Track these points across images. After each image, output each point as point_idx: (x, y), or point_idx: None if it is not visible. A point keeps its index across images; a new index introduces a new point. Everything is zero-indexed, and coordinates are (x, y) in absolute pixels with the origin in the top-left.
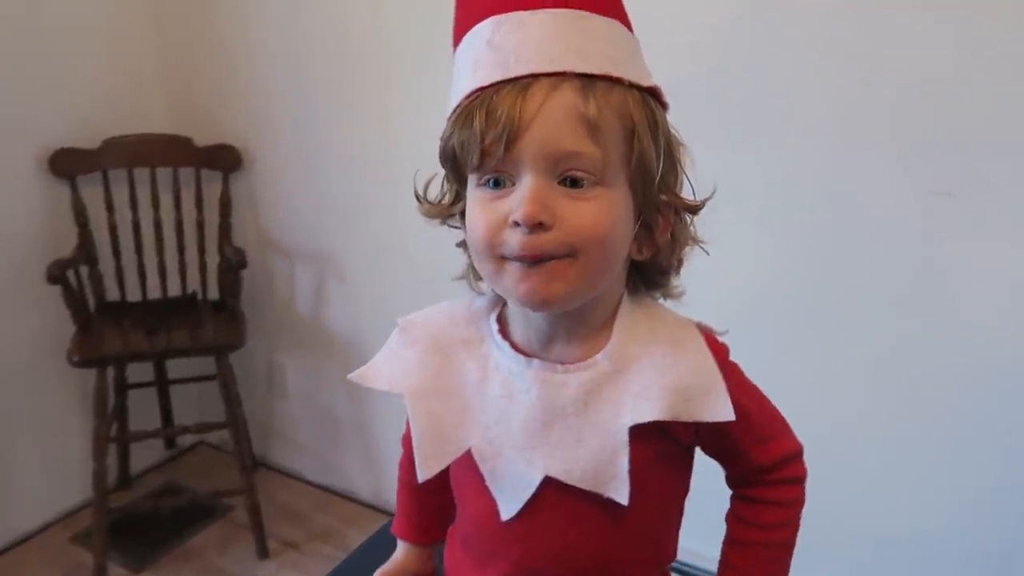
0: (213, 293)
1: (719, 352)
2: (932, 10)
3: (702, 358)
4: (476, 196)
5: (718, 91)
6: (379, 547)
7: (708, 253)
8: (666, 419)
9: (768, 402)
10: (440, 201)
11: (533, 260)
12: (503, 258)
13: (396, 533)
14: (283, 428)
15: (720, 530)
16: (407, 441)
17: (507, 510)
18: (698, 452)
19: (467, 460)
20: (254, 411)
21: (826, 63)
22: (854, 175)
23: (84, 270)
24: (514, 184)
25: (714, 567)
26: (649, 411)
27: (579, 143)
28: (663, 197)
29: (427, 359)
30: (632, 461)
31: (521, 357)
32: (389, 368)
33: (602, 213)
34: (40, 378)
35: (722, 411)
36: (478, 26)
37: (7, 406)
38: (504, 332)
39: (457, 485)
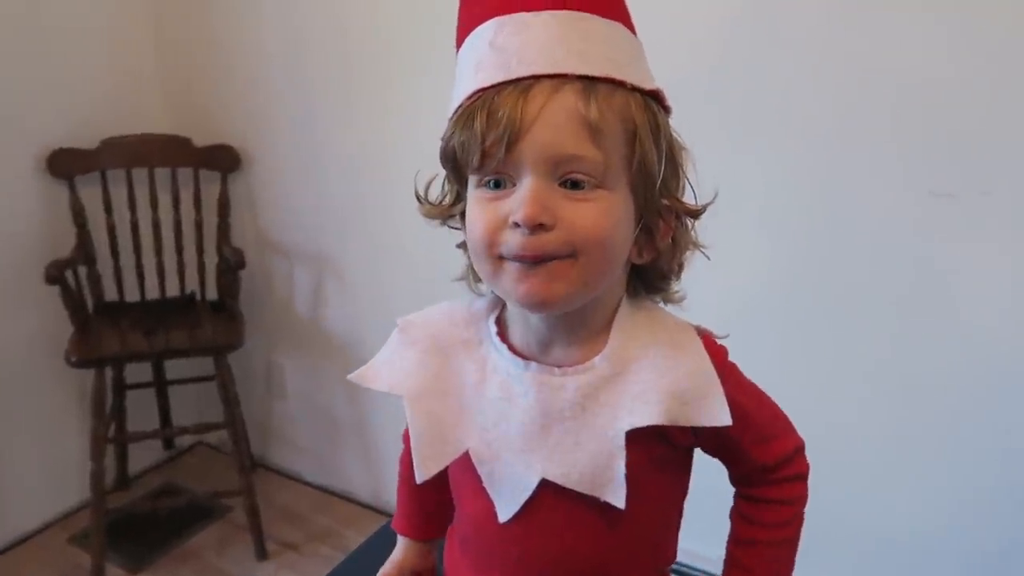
0: (212, 293)
1: (717, 354)
2: (932, 11)
3: (700, 361)
4: (476, 196)
5: (717, 91)
6: (378, 548)
7: (709, 258)
8: (663, 424)
9: (768, 401)
10: (440, 202)
11: (534, 260)
12: (501, 258)
13: (396, 529)
14: (282, 429)
15: (719, 530)
16: (408, 438)
17: (504, 512)
18: (698, 451)
19: (465, 461)
20: (253, 412)
21: (826, 63)
22: (854, 175)
23: (82, 270)
24: (515, 185)
25: (714, 568)
26: (646, 415)
27: (580, 146)
28: (664, 201)
29: (427, 360)
30: (629, 465)
31: (519, 360)
32: (389, 369)
33: (602, 215)
34: (38, 378)
35: (719, 415)
36: (481, 27)
37: (5, 406)
38: (503, 334)
39: (455, 486)
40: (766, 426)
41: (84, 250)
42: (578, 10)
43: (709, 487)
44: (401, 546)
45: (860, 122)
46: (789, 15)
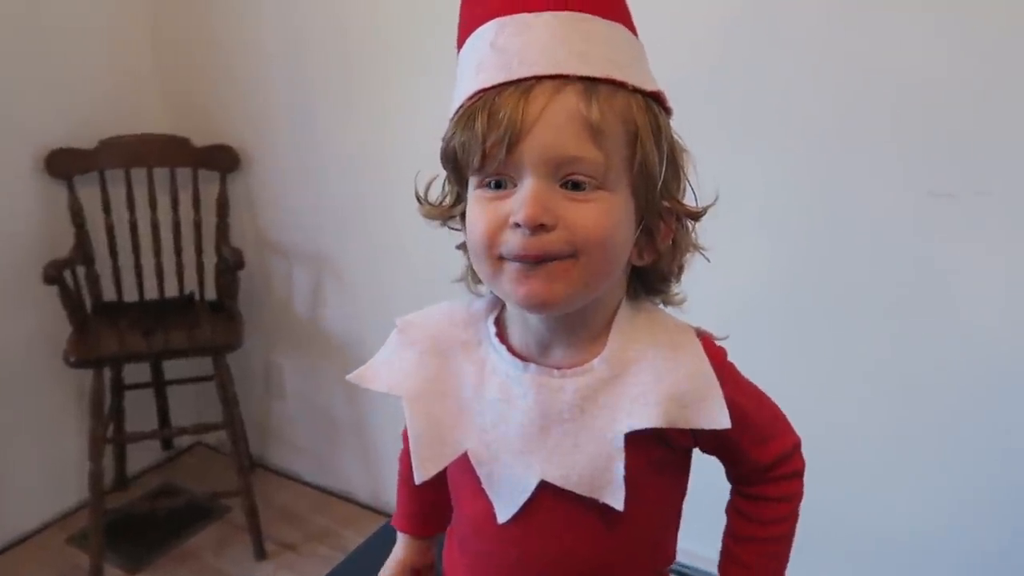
0: (210, 294)
1: (716, 356)
2: (932, 11)
3: (699, 363)
4: (477, 196)
5: (717, 92)
6: (377, 548)
7: (709, 260)
8: (662, 426)
9: (767, 401)
10: (441, 203)
11: (535, 260)
12: (502, 258)
13: (396, 526)
14: (280, 429)
15: (718, 530)
16: (407, 436)
17: (503, 513)
18: (696, 451)
19: (464, 462)
20: (251, 412)
21: (825, 63)
22: (853, 176)
23: (81, 270)
24: (515, 185)
25: (713, 568)
26: (645, 418)
27: (581, 147)
28: (665, 203)
29: (426, 360)
30: (628, 467)
31: (518, 361)
32: (388, 369)
33: (603, 215)
34: (36, 379)
35: (718, 418)
36: (482, 28)
37: (4, 407)
38: (502, 335)
39: (454, 487)
40: (765, 427)
41: (83, 250)
42: (579, 11)
43: (707, 487)
44: (401, 543)
45: (860, 122)
46: (789, 15)
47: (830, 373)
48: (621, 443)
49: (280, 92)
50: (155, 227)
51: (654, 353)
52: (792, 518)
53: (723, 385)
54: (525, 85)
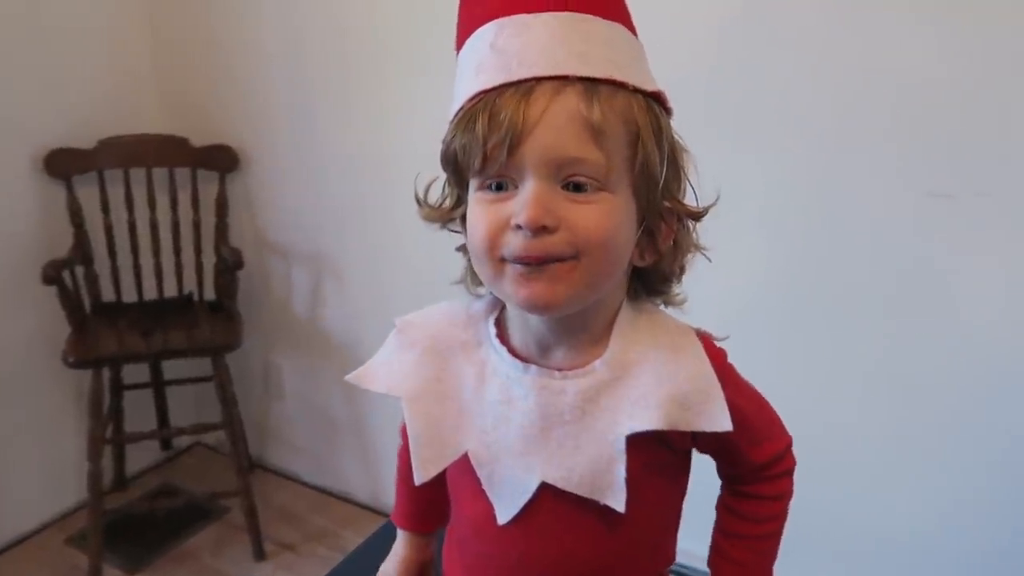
0: (209, 294)
1: (716, 357)
2: (931, 11)
3: (700, 365)
4: (478, 198)
5: (716, 92)
6: (376, 548)
7: (710, 260)
8: (664, 429)
9: (765, 404)
10: (440, 205)
11: (538, 262)
12: (503, 260)
13: (396, 522)
14: (279, 429)
15: None
16: (405, 431)
17: (504, 515)
18: (694, 451)
19: (464, 464)
20: (250, 412)
21: (825, 64)
22: (853, 176)
23: (80, 271)
24: (517, 187)
25: None
26: (647, 420)
27: (583, 148)
28: (666, 203)
29: (425, 361)
30: (629, 469)
31: (519, 363)
32: (387, 370)
33: (605, 216)
34: (35, 379)
35: (720, 421)
36: (481, 29)
37: (2, 407)
38: (502, 336)
39: (454, 488)
40: (762, 428)
41: (81, 250)
42: (579, 11)
43: (706, 487)
44: (402, 540)
45: (860, 122)
46: (788, 16)
47: (829, 373)
48: (623, 445)
49: (279, 92)
50: (154, 227)
51: (655, 355)
52: (783, 516)
53: (724, 387)
54: (525, 86)
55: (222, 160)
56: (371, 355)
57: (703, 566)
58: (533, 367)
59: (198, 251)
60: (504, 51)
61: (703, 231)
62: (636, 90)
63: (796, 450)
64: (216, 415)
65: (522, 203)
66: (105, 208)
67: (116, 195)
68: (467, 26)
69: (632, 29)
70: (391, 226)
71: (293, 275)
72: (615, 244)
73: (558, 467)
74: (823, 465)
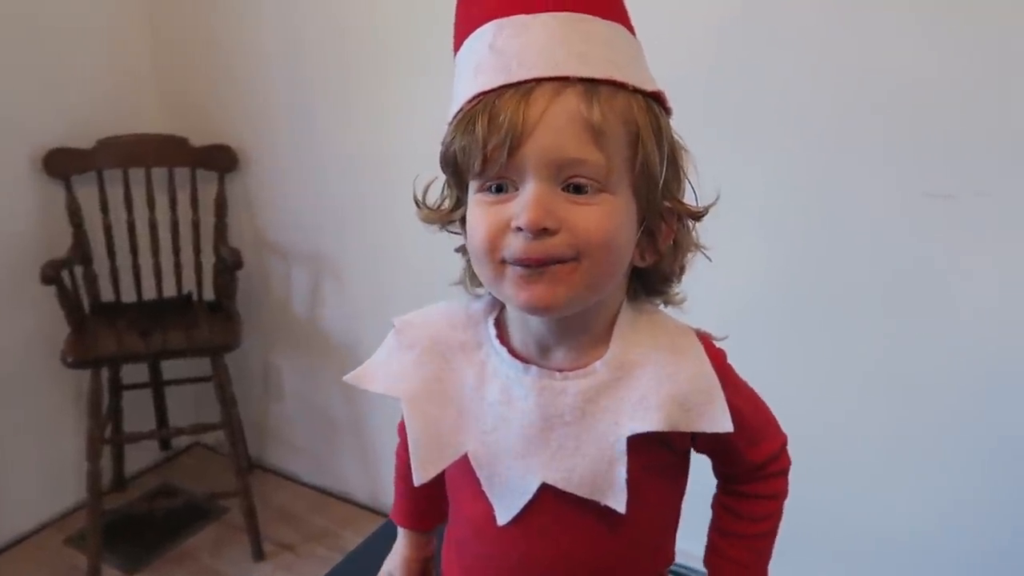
0: (209, 294)
1: (716, 357)
2: (930, 12)
3: (701, 365)
4: (478, 200)
5: (715, 92)
6: (376, 549)
7: (711, 260)
8: (664, 430)
9: (761, 404)
10: (440, 206)
11: (538, 264)
12: (503, 262)
13: (395, 520)
14: (279, 429)
15: None
16: (403, 429)
17: (504, 516)
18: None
19: (464, 464)
20: (250, 412)
21: (824, 64)
22: (852, 176)
23: (79, 270)
24: (517, 189)
25: None
26: (648, 421)
27: (583, 149)
28: (666, 203)
29: (424, 362)
30: (629, 470)
31: (519, 363)
32: (385, 371)
33: (605, 217)
34: (34, 379)
35: (720, 422)
36: (480, 29)
37: (1, 407)
38: (502, 337)
39: (453, 489)
40: (759, 429)
41: (80, 250)
42: (578, 11)
43: (705, 486)
44: (402, 538)
45: (858, 123)
46: (787, 16)
47: (829, 373)
48: (624, 446)
49: (279, 92)
50: (153, 227)
51: (656, 356)
52: (778, 515)
53: (723, 388)
54: (525, 87)
55: (221, 160)
56: (370, 355)
57: (702, 566)
58: (533, 368)
59: (197, 251)
60: (503, 52)
61: (703, 231)
62: (636, 90)
63: (796, 450)
64: (215, 415)
65: (522, 205)
66: (104, 208)
67: (115, 195)
68: (465, 27)
69: (631, 29)
70: (391, 226)
71: (292, 275)
72: (616, 245)
73: (558, 468)
74: (823, 465)
